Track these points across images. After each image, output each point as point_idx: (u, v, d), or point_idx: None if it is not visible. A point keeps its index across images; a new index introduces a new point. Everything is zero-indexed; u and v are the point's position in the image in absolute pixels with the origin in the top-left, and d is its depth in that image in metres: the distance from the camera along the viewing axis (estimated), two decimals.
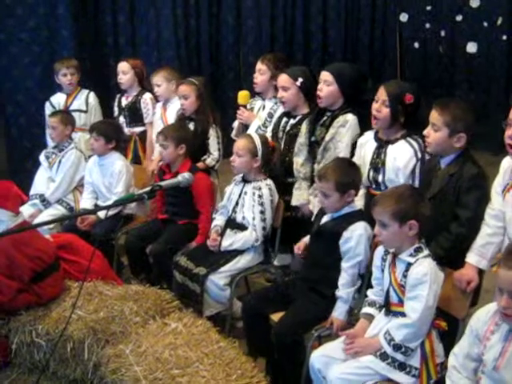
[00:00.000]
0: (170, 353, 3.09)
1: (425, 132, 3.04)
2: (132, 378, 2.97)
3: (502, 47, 7.64)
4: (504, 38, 7.61)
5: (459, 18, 7.97)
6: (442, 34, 8.18)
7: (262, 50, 6.90)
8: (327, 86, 3.70)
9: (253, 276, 4.19)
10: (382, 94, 3.33)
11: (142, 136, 5.29)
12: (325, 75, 3.73)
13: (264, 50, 6.86)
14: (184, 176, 2.87)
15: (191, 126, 4.56)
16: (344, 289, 3.09)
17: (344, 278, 3.10)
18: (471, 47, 7.93)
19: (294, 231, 3.80)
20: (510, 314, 2.20)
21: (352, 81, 3.72)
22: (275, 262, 4.04)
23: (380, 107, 3.33)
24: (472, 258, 2.82)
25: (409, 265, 2.67)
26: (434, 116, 2.99)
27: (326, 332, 3.11)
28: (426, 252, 2.70)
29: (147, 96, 5.28)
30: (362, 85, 3.75)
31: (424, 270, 2.63)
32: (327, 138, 3.69)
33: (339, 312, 3.08)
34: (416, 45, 8.35)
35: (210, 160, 4.51)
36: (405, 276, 2.67)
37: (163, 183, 2.83)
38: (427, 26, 8.26)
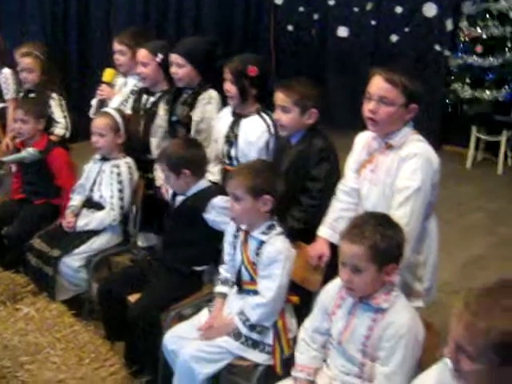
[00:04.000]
0: (19, 339, 2.94)
1: (275, 116, 3.04)
2: None
3: (370, 32, 7.89)
4: (373, 23, 7.86)
5: (332, 2, 8.15)
6: (315, 17, 8.33)
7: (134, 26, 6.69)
8: (180, 68, 3.62)
9: (117, 258, 4.06)
10: (226, 72, 3.33)
11: (2, 112, 5.00)
12: (175, 58, 3.63)
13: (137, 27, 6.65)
14: (29, 151, 2.72)
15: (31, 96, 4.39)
16: None
17: None
18: (342, 31, 8.13)
19: (157, 210, 3.72)
20: (352, 288, 2.23)
21: (203, 55, 3.66)
22: (140, 243, 3.94)
23: (229, 86, 3.33)
24: (324, 231, 2.84)
25: (261, 243, 2.65)
26: (281, 98, 2.99)
27: (187, 311, 3.06)
28: (278, 229, 2.69)
29: (7, 71, 4.95)
30: (213, 54, 3.70)
31: (277, 248, 2.62)
32: (196, 118, 3.63)
33: None
34: (290, 27, 8.46)
35: (58, 130, 4.31)
36: (257, 254, 2.66)
37: (5, 158, 2.67)
38: (301, 9, 8.38)
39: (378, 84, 2.56)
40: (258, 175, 2.64)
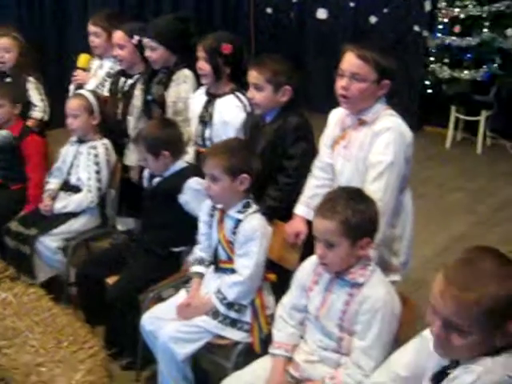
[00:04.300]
0: None
1: (249, 95, 3.03)
2: None
3: (349, 13, 7.86)
4: (352, 4, 7.84)
5: None
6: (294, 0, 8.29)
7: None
8: (153, 51, 3.58)
9: (97, 243, 4.04)
10: (200, 51, 3.31)
11: None
12: (147, 42, 3.58)
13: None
14: (2, 134, 2.68)
15: (7, 80, 4.32)
16: None
17: None
18: (321, 13, 8.10)
19: (135, 193, 3.70)
20: (326, 263, 2.23)
21: (176, 35, 3.60)
22: (119, 227, 3.92)
23: (202, 64, 3.31)
24: (300, 209, 2.85)
25: (238, 221, 2.65)
26: (254, 76, 2.97)
27: (165, 293, 3.05)
28: (254, 207, 2.68)
29: None
30: (186, 32, 3.66)
31: (253, 226, 2.62)
32: (172, 98, 3.59)
33: None
34: (268, 10, 8.41)
35: (36, 113, 4.26)
36: (234, 233, 2.65)
37: None
38: None
39: (349, 60, 2.55)
40: (233, 154, 2.63)
